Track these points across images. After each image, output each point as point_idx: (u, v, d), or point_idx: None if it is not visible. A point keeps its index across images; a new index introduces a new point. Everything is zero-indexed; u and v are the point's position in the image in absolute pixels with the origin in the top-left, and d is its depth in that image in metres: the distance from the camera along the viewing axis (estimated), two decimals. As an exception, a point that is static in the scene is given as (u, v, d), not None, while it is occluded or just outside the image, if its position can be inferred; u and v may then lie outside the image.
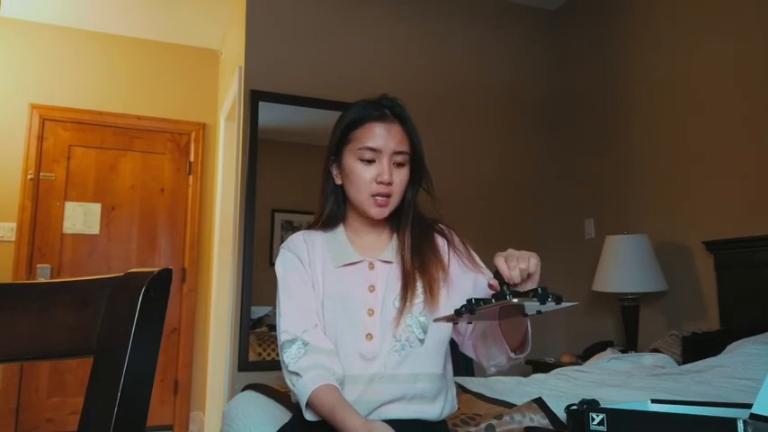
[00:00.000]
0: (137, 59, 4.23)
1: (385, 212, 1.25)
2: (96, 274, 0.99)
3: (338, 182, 1.30)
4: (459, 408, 1.46)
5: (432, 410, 1.20)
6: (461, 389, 1.80)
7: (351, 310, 1.22)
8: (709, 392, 1.80)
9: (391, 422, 1.06)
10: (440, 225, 1.35)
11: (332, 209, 1.32)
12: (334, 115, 1.39)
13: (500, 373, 1.33)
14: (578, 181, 3.69)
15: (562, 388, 1.97)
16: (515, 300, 0.93)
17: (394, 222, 1.32)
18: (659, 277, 2.86)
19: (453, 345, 1.31)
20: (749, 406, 0.92)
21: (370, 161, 1.24)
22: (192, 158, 4.30)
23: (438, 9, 3.68)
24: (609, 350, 2.84)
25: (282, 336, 1.20)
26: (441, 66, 3.63)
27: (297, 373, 1.14)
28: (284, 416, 1.51)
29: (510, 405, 1.56)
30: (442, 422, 1.25)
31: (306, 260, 1.27)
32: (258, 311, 3.02)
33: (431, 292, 1.22)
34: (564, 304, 0.93)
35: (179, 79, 4.33)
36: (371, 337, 1.20)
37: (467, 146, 3.61)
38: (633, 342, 2.90)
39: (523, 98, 3.84)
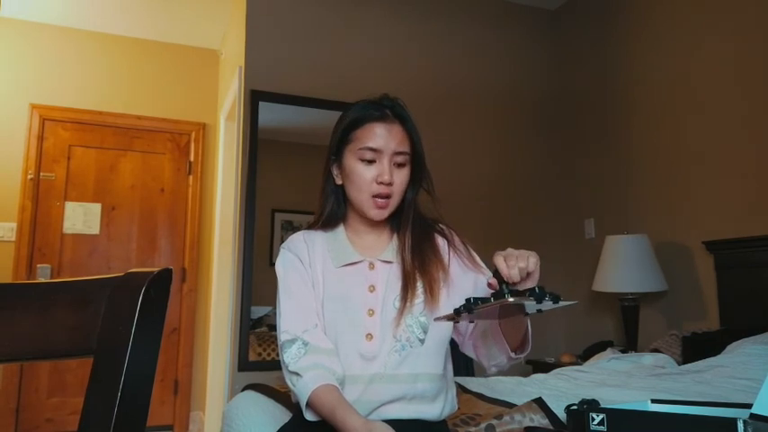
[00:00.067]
0: (137, 59, 4.23)
1: (384, 214, 1.25)
2: (96, 274, 0.99)
3: (338, 182, 1.30)
4: (459, 408, 1.46)
5: (432, 410, 1.20)
6: (461, 389, 1.80)
7: (351, 310, 1.22)
8: (710, 392, 1.80)
9: (391, 422, 1.06)
10: (440, 225, 1.35)
11: (332, 209, 1.32)
12: (334, 115, 1.39)
13: (500, 373, 1.33)
14: (578, 181, 3.69)
15: (562, 388, 1.97)
16: (511, 299, 0.93)
17: (394, 222, 1.32)
18: (659, 277, 2.86)
19: (453, 345, 1.31)
20: (749, 406, 0.92)
21: (371, 161, 1.24)
22: (192, 158, 4.30)
23: (438, 9, 3.68)
24: (609, 350, 2.84)
25: (282, 336, 1.20)
26: (441, 66, 3.63)
27: (297, 373, 1.14)
28: (284, 416, 1.51)
29: (510, 405, 1.56)
30: (442, 422, 1.25)
31: (306, 260, 1.27)
32: (258, 311, 3.02)
33: (431, 293, 1.22)
34: (562, 303, 0.93)
35: (179, 79, 4.33)
36: (371, 337, 1.20)
37: (467, 146, 3.61)
38: (633, 342, 2.90)
39: (523, 98, 3.84)
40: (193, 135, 4.32)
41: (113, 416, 0.51)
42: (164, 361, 4.01)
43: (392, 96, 1.30)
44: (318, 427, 1.11)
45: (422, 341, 1.21)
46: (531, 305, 0.95)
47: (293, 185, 3.20)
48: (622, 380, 2.08)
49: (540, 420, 1.43)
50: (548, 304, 0.93)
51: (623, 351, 2.81)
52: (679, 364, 2.36)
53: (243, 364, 2.93)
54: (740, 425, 0.87)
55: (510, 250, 1.03)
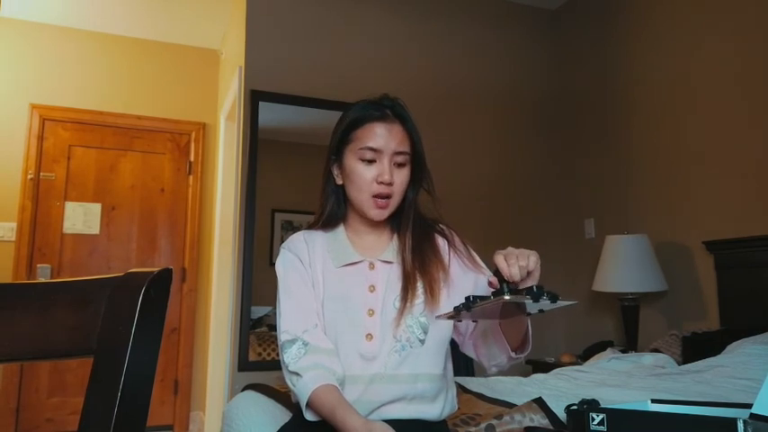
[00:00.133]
0: (137, 59, 4.23)
1: (385, 214, 1.25)
2: (96, 274, 0.99)
3: (339, 182, 1.30)
4: (459, 408, 1.46)
5: (432, 410, 1.20)
6: (461, 389, 1.80)
7: (351, 310, 1.22)
8: (710, 392, 1.80)
9: (391, 422, 1.06)
10: (440, 225, 1.35)
11: (332, 209, 1.32)
12: (334, 115, 1.39)
13: (500, 373, 1.33)
14: (578, 181, 3.69)
15: (562, 388, 1.97)
16: (507, 297, 0.93)
17: (394, 223, 1.32)
18: (659, 277, 2.86)
19: (454, 345, 1.31)
20: (749, 406, 0.92)
21: (371, 161, 1.23)
22: (192, 158, 4.30)
23: (438, 9, 3.68)
24: (609, 350, 2.84)
25: (283, 336, 1.20)
26: (441, 66, 3.63)
27: (297, 373, 1.14)
28: (284, 416, 1.51)
29: (510, 405, 1.56)
30: (442, 422, 1.25)
31: (306, 260, 1.27)
32: (258, 311, 3.02)
33: (431, 293, 1.22)
34: (561, 302, 0.93)
35: (179, 79, 4.33)
36: (372, 337, 1.20)
37: (467, 146, 3.61)
38: (633, 342, 2.90)
39: (523, 98, 3.84)
40: (193, 135, 4.32)
41: (113, 416, 0.51)
42: (164, 361, 4.01)
43: (392, 96, 1.30)
44: (318, 427, 1.11)
45: (422, 341, 1.21)
46: (533, 305, 0.95)
47: (293, 185, 3.20)
48: (622, 380, 2.08)
49: (540, 420, 1.43)
50: (548, 304, 0.93)
51: (623, 351, 2.81)
52: (679, 364, 2.36)
53: (243, 364, 2.93)
54: (740, 425, 0.87)
55: (510, 249, 1.03)
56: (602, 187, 3.51)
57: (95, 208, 4.00)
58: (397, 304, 1.21)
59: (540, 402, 1.49)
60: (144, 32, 4.20)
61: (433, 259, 1.26)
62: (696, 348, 2.44)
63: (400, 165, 1.25)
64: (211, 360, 3.85)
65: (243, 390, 1.96)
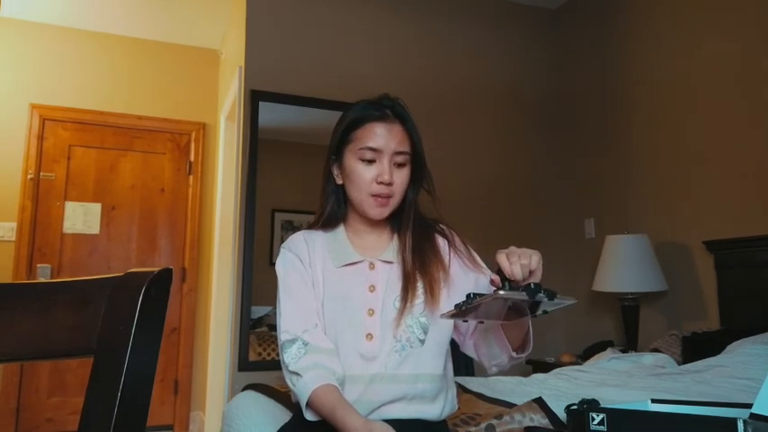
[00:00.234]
0: (137, 59, 4.23)
1: (385, 213, 1.25)
2: (96, 274, 0.99)
3: (339, 182, 1.30)
4: (459, 408, 1.46)
5: (432, 410, 1.20)
6: (462, 389, 1.80)
7: (351, 309, 1.22)
8: (710, 392, 1.80)
9: (391, 422, 1.06)
10: (440, 225, 1.35)
11: (332, 209, 1.32)
12: (334, 115, 1.39)
13: (501, 372, 1.33)
14: (578, 181, 3.69)
15: (562, 388, 1.97)
16: (502, 292, 0.93)
17: (395, 223, 1.32)
18: (659, 277, 2.86)
19: (454, 345, 1.31)
20: (749, 406, 0.92)
21: (371, 161, 1.23)
22: (192, 158, 4.30)
23: (438, 9, 3.68)
24: (609, 350, 2.84)
25: (283, 335, 1.20)
26: (441, 66, 3.63)
27: (297, 373, 1.14)
28: (284, 416, 1.51)
29: (510, 405, 1.56)
30: (442, 422, 1.25)
31: (306, 260, 1.27)
32: (258, 311, 3.02)
33: (431, 293, 1.22)
34: (559, 299, 0.93)
35: (179, 79, 4.33)
36: (372, 337, 1.20)
37: (467, 146, 3.62)
38: (633, 342, 2.90)
39: (523, 98, 3.84)
40: (193, 135, 4.32)
41: (113, 416, 0.51)
42: (164, 361, 4.01)
43: (392, 96, 1.30)
44: (318, 427, 1.11)
45: (422, 341, 1.21)
46: (538, 306, 0.95)
47: (293, 185, 3.20)
48: (622, 380, 2.08)
49: (540, 420, 1.43)
50: (550, 304, 0.93)
51: (623, 351, 2.81)
52: (679, 364, 2.36)
53: (243, 363, 2.93)
54: (740, 425, 0.87)
55: (512, 248, 1.03)
56: (602, 187, 3.51)
57: (95, 208, 4.01)
58: (398, 304, 1.21)
59: (540, 402, 1.49)
60: (144, 32, 4.20)
61: (434, 259, 1.26)
62: (696, 348, 2.44)
63: (400, 165, 1.25)
64: (211, 360, 3.85)
65: (243, 390, 1.96)
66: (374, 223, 1.29)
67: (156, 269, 0.56)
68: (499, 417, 1.43)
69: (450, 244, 1.32)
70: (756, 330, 2.31)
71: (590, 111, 3.65)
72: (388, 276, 1.25)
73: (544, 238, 3.66)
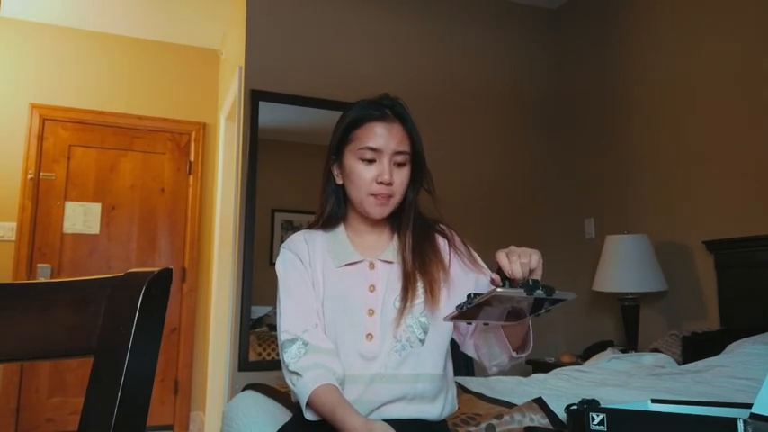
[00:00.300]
0: (137, 59, 4.23)
1: (385, 212, 1.25)
2: (96, 274, 0.99)
3: (339, 182, 1.30)
4: (459, 407, 1.46)
5: (432, 410, 1.20)
6: (462, 389, 1.80)
7: (351, 309, 1.22)
8: (710, 392, 1.80)
9: (391, 422, 1.06)
10: (440, 225, 1.35)
11: (332, 209, 1.32)
12: (334, 115, 1.39)
13: (501, 372, 1.33)
14: (578, 181, 3.69)
15: (562, 388, 1.97)
16: (500, 289, 0.93)
17: (395, 222, 1.32)
18: (659, 277, 2.86)
19: (454, 345, 1.31)
20: (749, 406, 0.92)
21: (371, 161, 1.23)
22: (192, 158, 4.30)
23: (438, 9, 3.68)
24: (609, 350, 2.84)
25: (283, 335, 1.20)
26: (441, 66, 3.63)
27: (297, 373, 1.14)
28: (284, 416, 1.51)
29: (510, 405, 1.56)
30: (442, 422, 1.25)
31: (306, 260, 1.27)
32: (258, 311, 3.02)
33: (431, 293, 1.22)
34: (558, 294, 0.93)
35: (179, 79, 4.33)
36: (372, 336, 1.20)
37: (467, 146, 3.62)
38: (633, 342, 2.90)
39: (523, 98, 3.84)
40: (193, 135, 4.32)
41: (113, 416, 0.51)
42: (164, 361, 4.01)
43: (392, 96, 1.30)
44: (318, 427, 1.11)
45: (422, 341, 1.21)
46: (539, 306, 0.95)
47: (293, 185, 3.20)
48: (622, 380, 2.08)
49: (540, 420, 1.43)
50: (551, 301, 0.93)
51: (623, 351, 2.81)
52: (679, 364, 2.36)
53: (243, 363, 2.93)
54: (740, 425, 0.87)
55: (512, 248, 1.03)
56: (602, 187, 3.51)
57: (95, 208, 4.00)
58: (398, 304, 1.21)
59: (540, 402, 1.49)
60: (144, 32, 4.20)
61: (434, 259, 1.26)
62: (696, 348, 2.44)
63: (400, 164, 1.25)
64: (211, 360, 3.85)
65: (243, 390, 1.96)
66: (374, 223, 1.29)
67: (156, 269, 0.56)
68: (499, 417, 1.43)
69: (451, 244, 1.32)
70: (756, 330, 2.31)
71: (590, 111, 3.65)
72: (388, 276, 1.25)
73: (544, 238, 3.66)
